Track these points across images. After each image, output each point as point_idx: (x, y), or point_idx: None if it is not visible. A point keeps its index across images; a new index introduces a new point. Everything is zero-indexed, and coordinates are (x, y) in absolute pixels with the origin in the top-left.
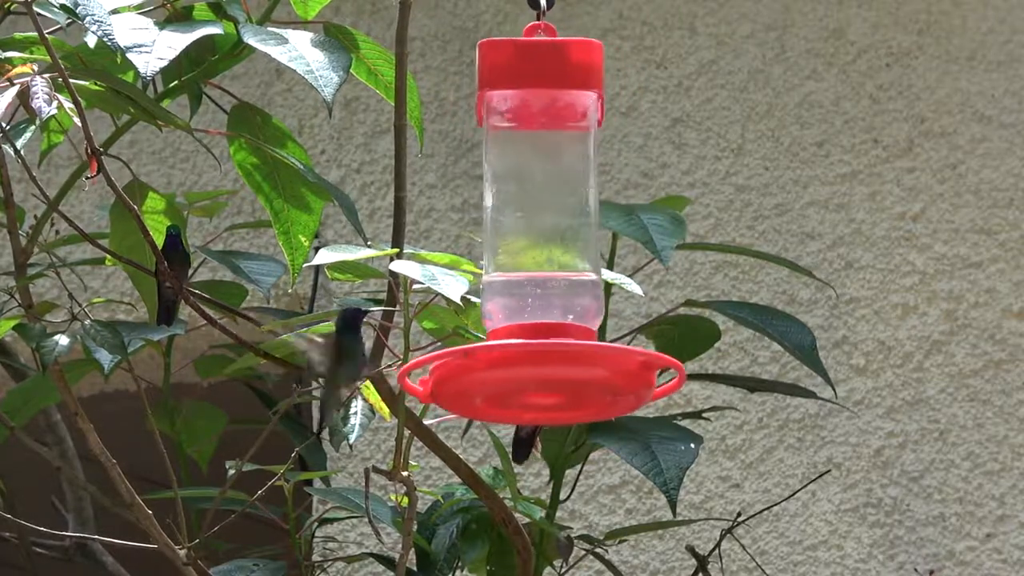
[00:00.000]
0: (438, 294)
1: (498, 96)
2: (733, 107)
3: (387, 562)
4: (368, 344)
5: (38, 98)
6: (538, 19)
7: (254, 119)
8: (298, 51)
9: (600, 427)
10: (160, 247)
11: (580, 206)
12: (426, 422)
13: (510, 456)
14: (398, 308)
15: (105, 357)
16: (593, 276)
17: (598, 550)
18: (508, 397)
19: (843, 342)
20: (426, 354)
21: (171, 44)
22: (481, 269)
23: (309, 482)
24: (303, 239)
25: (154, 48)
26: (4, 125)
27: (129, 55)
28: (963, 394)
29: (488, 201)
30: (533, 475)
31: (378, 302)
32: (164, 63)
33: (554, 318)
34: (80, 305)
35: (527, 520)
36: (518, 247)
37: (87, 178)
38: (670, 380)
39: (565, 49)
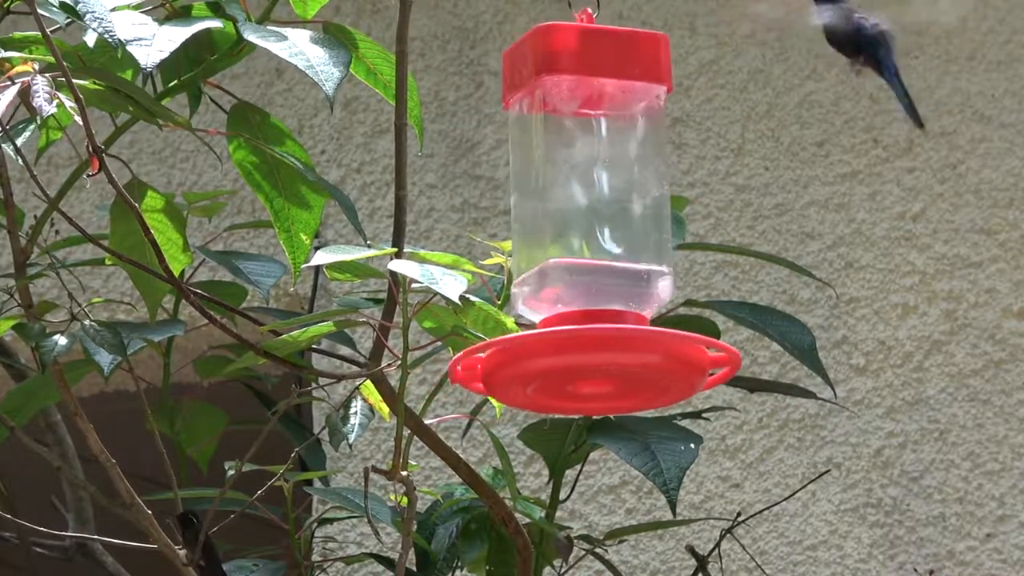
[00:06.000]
0: (437, 293)
1: (564, 82)
2: (733, 107)
3: (387, 562)
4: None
5: (39, 96)
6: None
7: (253, 118)
8: (298, 47)
9: (600, 427)
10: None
11: (642, 194)
12: (426, 421)
13: None
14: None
15: (105, 358)
16: (653, 265)
17: (598, 550)
18: (560, 386)
19: (843, 342)
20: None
21: (171, 37)
22: (480, 268)
23: (309, 482)
24: (304, 237)
25: (154, 41)
26: (4, 124)
27: (130, 48)
28: (963, 394)
29: (534, 189)
30: (533, 475)
31: (378, 302)
32: (165, 55)
33: (610, 306)
34: (80, 305)
35: (527, 520)
36: (571, 235)
37: (88, 175)
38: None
39: (635, 39)
